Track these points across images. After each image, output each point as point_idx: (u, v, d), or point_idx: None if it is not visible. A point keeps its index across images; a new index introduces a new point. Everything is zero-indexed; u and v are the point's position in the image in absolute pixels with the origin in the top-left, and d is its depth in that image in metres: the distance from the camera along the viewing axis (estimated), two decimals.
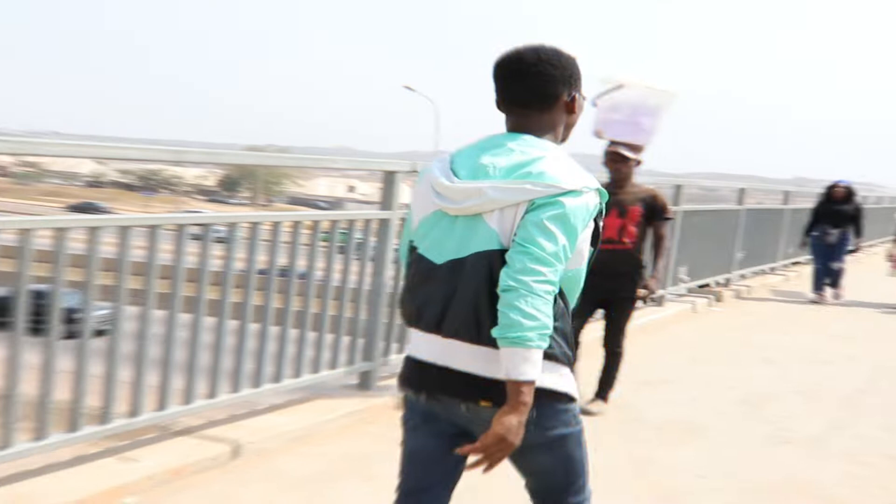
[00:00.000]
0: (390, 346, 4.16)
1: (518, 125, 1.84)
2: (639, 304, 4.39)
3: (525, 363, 1.59)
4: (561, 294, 1.73)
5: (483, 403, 1.69)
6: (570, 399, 1.77)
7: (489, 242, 1.74)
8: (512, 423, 1.59)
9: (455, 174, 1.80)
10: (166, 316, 3.04)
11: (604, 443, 3.49)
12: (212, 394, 3.26)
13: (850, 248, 9.51)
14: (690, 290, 8.59)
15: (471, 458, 1.69)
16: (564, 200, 1.70)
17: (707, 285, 8.99)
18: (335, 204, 55.67)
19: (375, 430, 3.61)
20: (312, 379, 3.74)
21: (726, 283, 9.60)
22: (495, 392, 1.65)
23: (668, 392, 4.71)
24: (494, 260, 1.71)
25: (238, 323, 3.31)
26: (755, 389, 4.91)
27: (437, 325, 1.74)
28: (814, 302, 9.13)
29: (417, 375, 1.81)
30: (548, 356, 1.67)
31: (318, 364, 3.73)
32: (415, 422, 1.85)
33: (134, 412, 2.93)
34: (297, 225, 3.58)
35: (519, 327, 1.59)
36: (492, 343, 1.65)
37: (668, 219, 4.37)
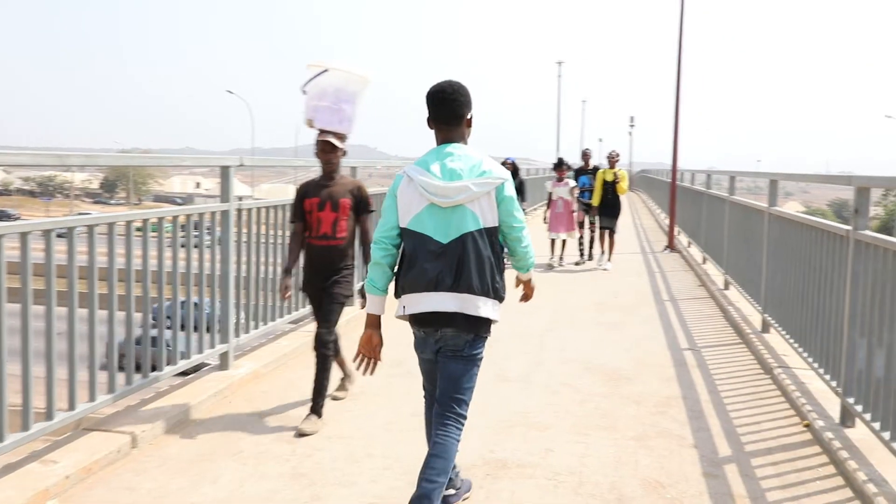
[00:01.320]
0: (239, 327, 5.13)
1: (446, 137, 2.92)
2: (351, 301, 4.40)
3: (531, 274, 3.18)
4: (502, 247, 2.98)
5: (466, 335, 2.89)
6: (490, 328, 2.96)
7: (475, 223, 2.83)
8: (533, 284, 3.24)
9: (436, 178, 2.81)
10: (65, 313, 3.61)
11: (393, 394, 4.81)
12: (128, 381, 4.04)
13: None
14: None
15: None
16: (508, 186, 2.89)
17: None
18: (188, 199, 60.12)
19: (235, 408, 4.49)
20: (193, 360, 4.64)
21: None
22: (476, 322, 2.87)
23: None
24: (481, 236, 2.84)
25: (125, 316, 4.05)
26: (490, 336, 6.52)
27: (452, 286, 2.81)
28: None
29: (429, 318, 2.86)
30: (499, 299, 2.91)
31: (192, 349, 4.64)
32: (420, 349, 3.04)
33: (49, 414, 3.50)
34: (161, 221, 4.49)
35: (528, 264, 3.10)
36: (486, 293, 2.84)
37: (372, 211, 4.32)
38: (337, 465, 3.72)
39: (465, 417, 2.95)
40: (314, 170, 4.70)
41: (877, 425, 3.62)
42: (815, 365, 4.72)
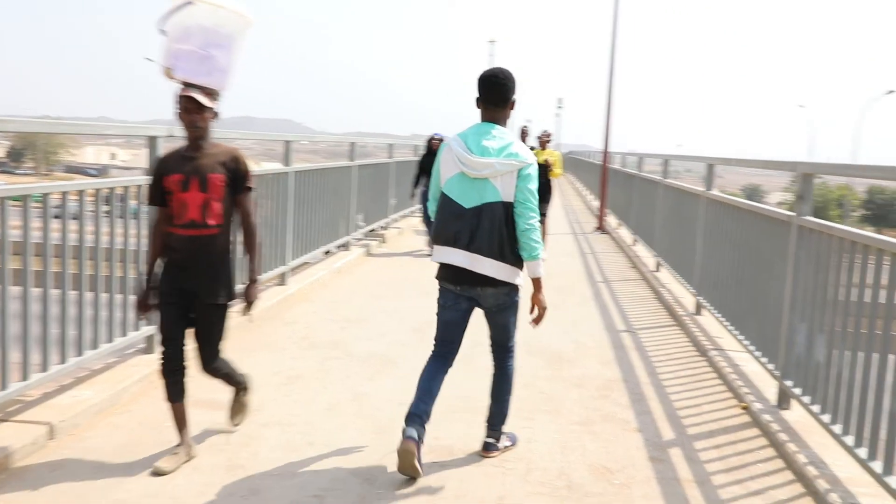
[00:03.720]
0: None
1: (491, 117, 3.35)
2: (237, 311, 3.50)
3: (538, 268, 3.30)
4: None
5: (489, 289, 3.31)
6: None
7: (495, 196, 3.24)
8: (541, 296, 3.33)
9: (470, 151, 3.24)
10: None
11: (331, 379, 4.68)
12: (44, 366, 3.72)
13: None
14: (365, 235, 10.19)
15: (533, 316, 3.42)
16: (531, 170, 3.28)
17: (374, 229, 10.69)
18: (102, 171, 57.28)
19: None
20: (116, 344, 4.32)
21: (386, 227, 11.48)
22: (494, 281, 3.27)
23: (366, 329, 5.93)
24: (498, 207, 3.23)
25: (42, 293, 3.70)
26: (421, 318, 6.29)
27: (467, 245, 3.24)
28: (427, 247, 9.95)
29: (453, 274, 3.33)
30: (507, 262, 3.27)
31: (115, 331, 4.31)
32: (447, 303, 3.45)
33: None
34: (81, 193, 4.04)
35: (535, 250, 3.27)
36: (493, 255, 3.23)
37: (251, 188, 3.41)
38: (275, 454, 3.54)
39: (515, 345, 3.62)
40: (251, 142, 4.38)
41: (816, 408, 3.68)
42: (752, 348, 4.79)
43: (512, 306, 3.47)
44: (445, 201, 3.33)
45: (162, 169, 3.34)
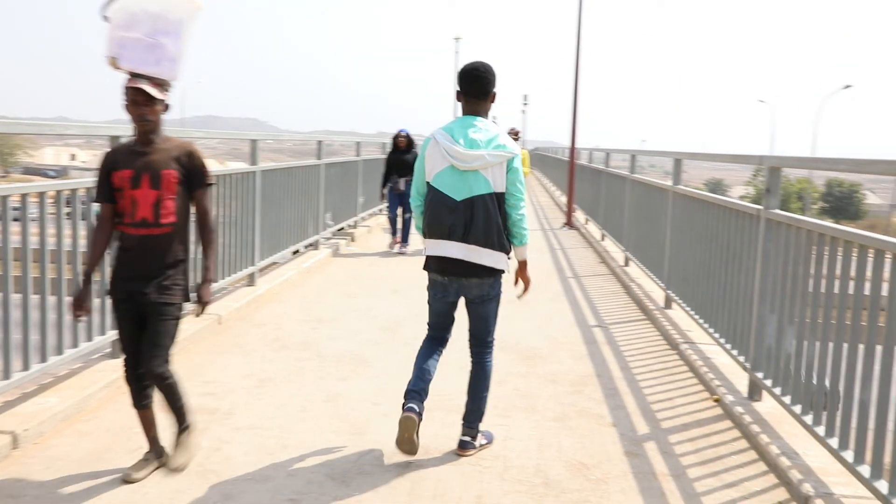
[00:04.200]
0: None
1: (473, 110, 3.43)
2: (188, 313, 3.29)
3: (526, 251, 3.52)
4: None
5: (478, 279, 3.42)
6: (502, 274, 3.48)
7: (487, 188, 3.34)
8: (527, 273, 3.58)
9: (459, 144, 3.29)
10: None
11: (304, 380, 4.62)
12: (6, 373, 3.61)
13: None
14: (334, 234, 10.11)
15: (519, 291, 3.62)
16: (518, 161, 3.41)
17: (342, 228, 10.61)
18: (62, 172, 56.16)
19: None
20: (82, 349, 4.21)
21: (355, 225, 11.40)
22: (488, 271, 3.38)
23: (337, 328, 5.87)
24: (490, 198, 3.33)
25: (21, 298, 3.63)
26: (393, 316, 6.32)
27: (462, 237, 3.32)
28: (389, 247, 9.92)
29: (440, 265, 3.41)
30: (503, 250, 3.38)
31: (79, 336, 4.20)
32: (436, 293, 3.54)
33: None
34: (41, 195, 3.95)
35: (525, 237, 3.45)
36: (490, 245, 3.34)
37: (211, 185, 3.26)
38: (248, 458, 3.47)
39: (494, 341, 3.66)
40: (216, 141, 4.29)
41: (787, 399, 3.72)
42: (722, 340, 4.84)
43: (494, 298, 3.55)
44: (436, 195, 3.37)
45: (110, 164, 3.14)
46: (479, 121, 3.42)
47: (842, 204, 69.25)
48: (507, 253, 3.44)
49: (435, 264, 3.47)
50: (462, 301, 3.58)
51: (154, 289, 3.11)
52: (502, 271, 3.46)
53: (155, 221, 3.09)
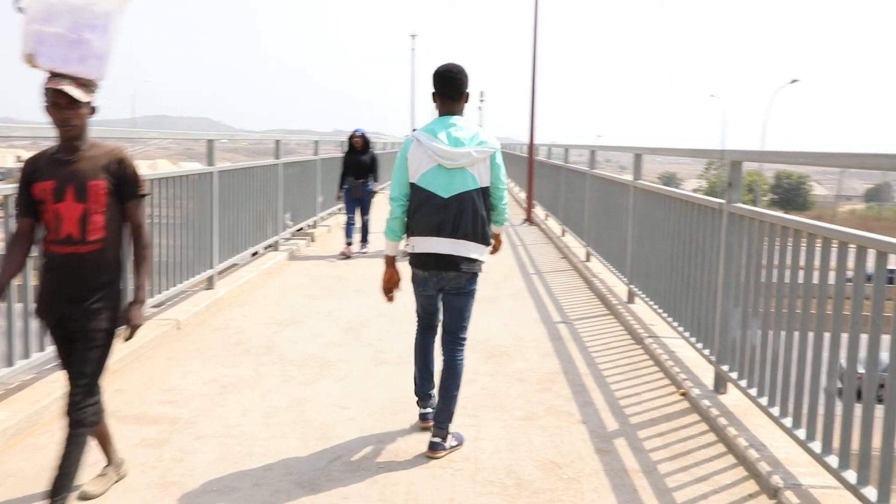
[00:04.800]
0: None
1: (449, 110, 3.55)
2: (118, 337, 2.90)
3: (504, 228, 3.81)
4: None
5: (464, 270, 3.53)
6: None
7: (474, 184, 3.49)
8: (500, 238, 3.87)
9: (444, 144, 3.42)
10: None
11: (267, 385, 4.50)
12: None
13: (371, 191, 9.58)
14: (293, 234, 9.95)
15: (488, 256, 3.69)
16: (499, 156, 3.57)
17: (302, 228, 10.45)
18: (7, 174, 54.86)
19: None
20: (33, 359, 4.06)
21: (314, 225, 11.24)
22: (468, 264, 3.50)
23: (299, 330, 5.77)
24: (477, 194, 3.49)
25: None
26: (355, 317, 6.23)
27: (451, 233, 3.44)
28: (342, 254, 9.34)
29: (422, 260, 3.52)
30: (487, 244, 3.58)
31: (31, 345, 4.05)
32: (418, 286, 3.65)
33: None
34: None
35: (506, 220, 3.73)
36: (476, 239, 3.48)
37: (145, 195, 2.93)
38: (213, 469, 3.36)
39: (466, 339, 3.71)
40: (168, 142, 4.13)
41: (753, 391, 3.76)
42: (687, 334, 4.87)
43: (470, 293, 3.64)
44: (424, 194, 3.48)
45: (30, 174, 2.81)
46: (457, 119, 3.54)
47: (790, 195, 71.06)
48: (488, 245, 3.61)
49: (417, 259, 3.56)
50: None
51: (81, 313, 2.79)
52: (481, 264, 3.59)
53: (82, 238, 2.77)
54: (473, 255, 3.53)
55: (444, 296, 3.64)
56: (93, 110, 2.83)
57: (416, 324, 3.87)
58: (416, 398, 3.86)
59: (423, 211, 3.48)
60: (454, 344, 3.66)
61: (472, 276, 3.60)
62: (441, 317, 3.75)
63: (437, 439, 3.54)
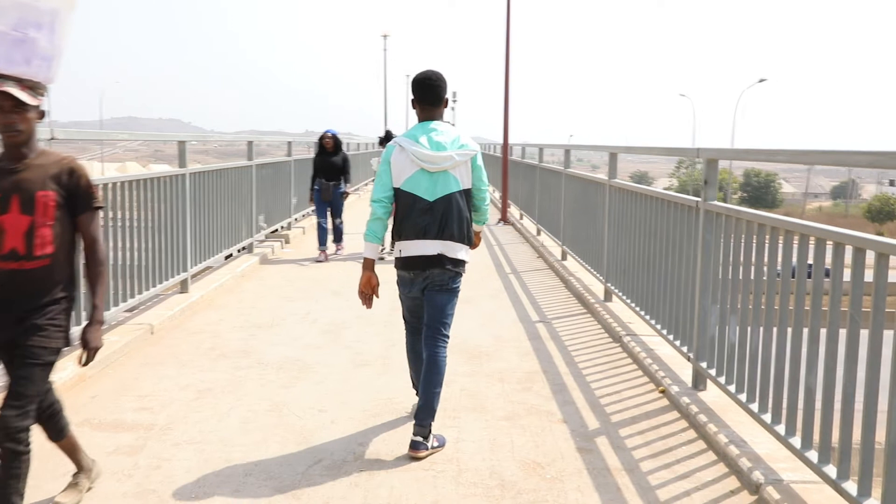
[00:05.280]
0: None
1: (429, 116, 3.64)
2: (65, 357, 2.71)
3: (484, 228, 4.06)
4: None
5: (449, 268, 3.62)
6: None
7: (456, 186, 3.59)
8: (480, 238, 3.95)
9: (426, 149, 3.51)
10: None
11: (245, 390, 4.44)
12: None
13: (343, 193, 9.40)
14: (267, 236, 9.84)
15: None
16: (479, 158, 3.69)
17: (276, 230, 10.35)
18: None
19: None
20: None
21: (289, 227, 11.14)
22: (452, 262, 3.60)
23: (276, 333, 5.71)
24: (461, 195, 3.60)
25: None
26: (332, 319, 6.18)
27: (437, 235, 3.54)
28: (317, 261, 9.10)
29: (419, 262, 3.57)
30: (470, 244, 3.69)
31: None
32: (404, 288, 3.72)
33: None
34: None
35: (485, 219, 3.86)
36: (461, 240, 3.60)
37: (99, 208, 2.76)
38: (191, 476, 3.30)
39: (448, 336, 3.74)
40: (137, 144, 4.01)
41: (732, 388, 3.78)
42: (664, 332, 4.90)
43: (453, 291, 3.70)
44: (409, 199, 3.56)
45: None
46: (437, 124, 3.63)
47: (759, 193, 72.12)
48: (470, 244, 3.71)
49: (405, 262, 3.62)
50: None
51: (24, 330, 2.59)
52: (465, 265, 3.69)
53: (27, 253, 2.57)
54: (460, 256, 3.62)
55: (427, 293, 3.66)
56: (41, 115, 2.66)
57: (405, 329, 3.91)
58: (416, 391, 3.97)
59: (410, 214, 3.56)
60: (437, 339, 3.67)
61: (456, 275, 3.66)
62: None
63: (419, 438, 3.51)
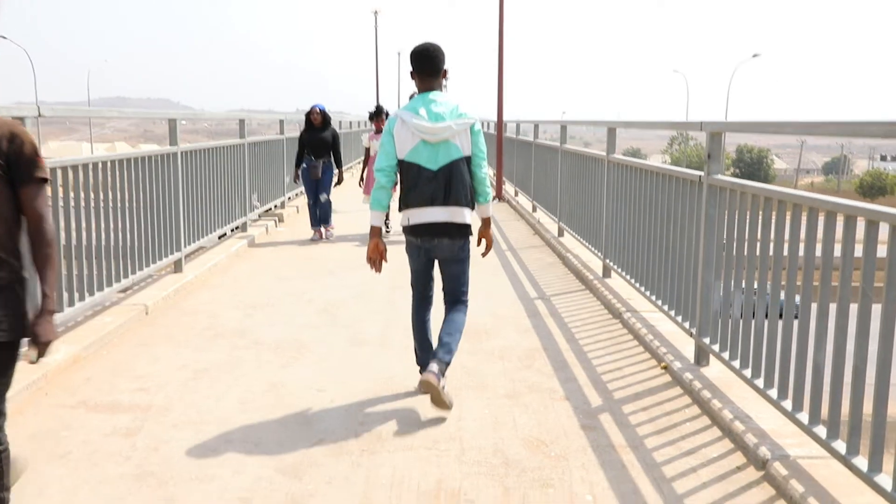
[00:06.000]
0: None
1: (427, 87, 3.73)
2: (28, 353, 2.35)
3: (489, 208, 3.92)
4: None
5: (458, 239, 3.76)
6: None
7: (458, 153, 3.68)
8: (490, 231, 3.96)
9: (426, 120, 3.60)
10: None
11: (243, 370, 4.38)
12: None
13: (334, 180, 9.09)
14: (261, 215, 9.74)
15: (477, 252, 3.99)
16: (478, 125, 3.74)
17: (270, 209, 10.25)
18: None
19: (54, 400, 3.82)
20: None
21: (282, 205, 11.02)
22: (459, 230, 3.73)
23: (273, 313, 5.65)
24: (463, 162, 3.68)
25: None
26: (329, 298, 6.12)
27: (444, 202, 3.65)
28: (312, 241, 8.85)
29: (426, 229, 3.69)
30: (472, 208, 3.76)
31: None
32: (412, 254, 3.85)
33: None
34: None
35: (489, 194, 3.85)
36: (466, 205, 3.70)
37: (44, 179, 2.34)
38: (190, 457, 3.25)
39: (468, 301, 3.95)
40: (127, 123, 3.93)
41: (736, 363, 3.74)
42: (665, 307, 4.85)
43: (465, 259, 3.86)
44: (414, 169, 3.67)
45: None
46: (436, 95, 3.72)
47: (752, 169, 72.07)
48: (473, 207, 3.80)
49: (413, 229, 3.74)
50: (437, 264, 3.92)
51: None
52: (471, 230, 3.79)
53: None
54: (467, 220, 3.74)
55: (441, 264, 3.85)
56: None
57: (412, 297, 3.99)
58: (420, 367, 4.00)
59: (415, 184, 3.67)
60: (457, 304, 3.90)
61: (464, 243, 3.79)
62: (433, 288, 3.98)
63: (435, 369, 3.59)
